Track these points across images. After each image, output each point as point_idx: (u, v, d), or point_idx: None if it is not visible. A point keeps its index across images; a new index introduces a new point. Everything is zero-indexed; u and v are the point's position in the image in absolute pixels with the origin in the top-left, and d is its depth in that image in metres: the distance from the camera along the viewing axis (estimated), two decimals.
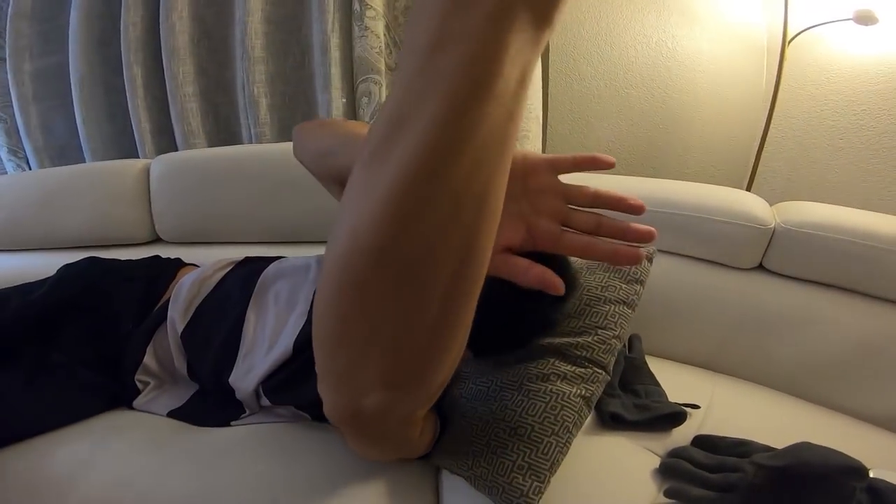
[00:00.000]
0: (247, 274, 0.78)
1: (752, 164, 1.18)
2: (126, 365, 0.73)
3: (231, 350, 0.68)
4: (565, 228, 0.41)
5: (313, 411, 0.65)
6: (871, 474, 0.44)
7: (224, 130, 1.26)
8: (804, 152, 1.20)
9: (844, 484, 0.43)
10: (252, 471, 0.57)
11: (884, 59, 1.06)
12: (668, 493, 0.47)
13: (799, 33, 1.06)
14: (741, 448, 0.51)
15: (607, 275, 0.65)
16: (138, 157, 1.26)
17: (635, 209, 0.40)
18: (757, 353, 0.74)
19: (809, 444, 0.46)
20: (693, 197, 0.81)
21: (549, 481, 0.48)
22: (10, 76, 1.31)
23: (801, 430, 0.51)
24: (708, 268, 0.80)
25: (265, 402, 0.66)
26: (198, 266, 0.88)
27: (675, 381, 0.68)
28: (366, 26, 1.10)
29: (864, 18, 0.98)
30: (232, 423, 0.67)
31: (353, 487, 0.54)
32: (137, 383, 0.73)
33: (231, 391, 0.68)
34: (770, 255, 0.76)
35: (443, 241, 0.23)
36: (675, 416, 0.58)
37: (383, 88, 1.13)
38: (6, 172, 1.45)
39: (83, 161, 1.32)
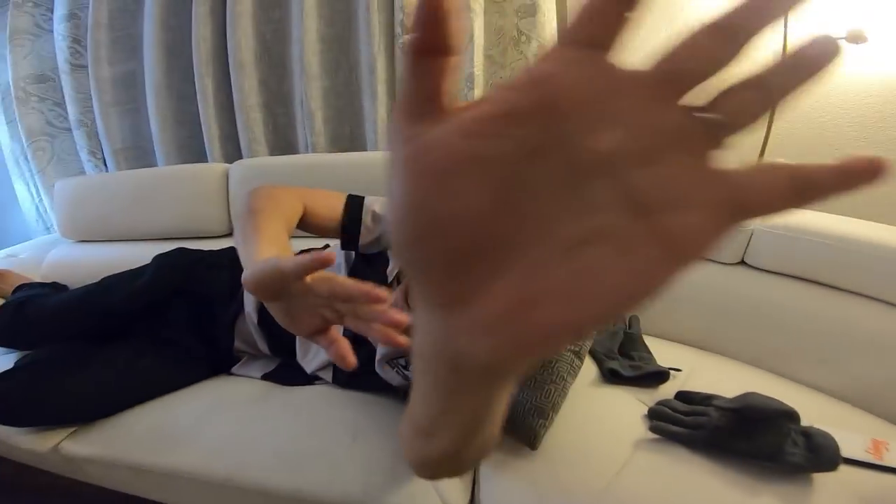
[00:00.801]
0: None
1: None
2: (221, 342, 0.93)
3: (290, 340, 0.87)
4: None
5: (367, 386, 0.83)
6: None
7: (282, 139, 1.48)
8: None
9: (783, 424, 0.61)
10: (337, 416, 0.78)
11: (874, 76, 1.19)
12: (651, 429, 0.67)
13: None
14: (710, 399, 0.70)
15: None
16: (207, 160, 1.48)
17: (371, 300, 0.38)
18: (737, 334, 0.93)
19: (755, 393, 0.65)
20: None
21: (552, 418, 0.68)
22: (91, 83, 1.53)
23: (762, 391, 0.69)
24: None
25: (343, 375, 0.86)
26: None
27: (666, 353, 0.88)
28: None
29: (855, 38, 1.10)
30: (315, 382, 0.87)
31: None
32: (235, 353, 0.94)
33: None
34: (750, 252, 0.95)
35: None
36: (661, 375, 0.78)
37: None
38: (84, 172, 1.69)
39: (156, 163, 1.55)
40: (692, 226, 0.14)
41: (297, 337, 0.85)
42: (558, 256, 0.15)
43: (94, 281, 1.09)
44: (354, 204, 0.83)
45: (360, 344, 0.78)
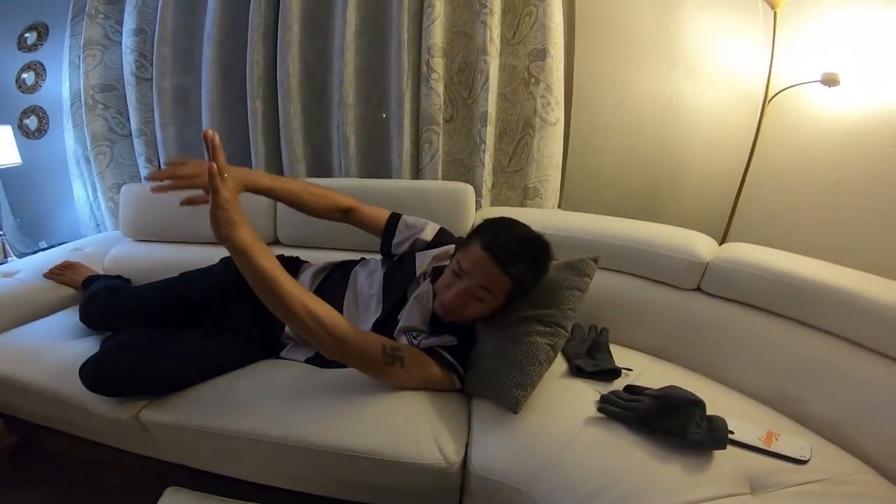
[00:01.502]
0: (341, 274, 1.26)
1: (730, 210, 1.55)
2: (274, 331, 1.20)
3: None
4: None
5: None
6: (728, 421, 0.85)
7: (318, 157, 1.75)
8: (781, 197, 1.54)
9: (691, 410, 0.85)
10: (360, 393, 1.03)
11: (844, 115, 1.36)
12: (599, 410, 0.92)
13: (779, 92, 1.38)
14: (647, 390, 0.94)
15: (566, 272, 1.09)
16: None
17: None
18: (688, 347, 1.18)
19: (675, 385, 0.89)
20: (652, 235, 1.26)
21: (530, 391, 0.95)
22: (154, 96, 1.78)
23: (696, 391, 0.90)
24: (660, 286, 1.26)
25: None
26: (311, 264, 1.36)
27: (626, 357, 1.14)
28: (431, 86, 1.55)
29: (829, 80, 1.30)
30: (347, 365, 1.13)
31: (421, 404, 0.99)
32: (283, 341, 1.20)
33: None
34: (705, 281, 1.19)
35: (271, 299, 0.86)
36: (615, 372, 1.05)
37: (440, 137, 1.59)
38: (139, 176, 1.97)
39: None
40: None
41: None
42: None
43: (155, 276, 1.37)
44: (394, 218, 1.26)
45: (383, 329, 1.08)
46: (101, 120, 1.92)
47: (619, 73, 1.63)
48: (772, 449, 0.85)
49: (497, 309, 1.04)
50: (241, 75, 1.68)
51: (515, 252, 0.97)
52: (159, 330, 1.18)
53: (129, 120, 1.89)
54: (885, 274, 1.06)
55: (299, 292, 0.88)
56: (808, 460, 0.84)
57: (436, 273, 1.12)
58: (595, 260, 1.11)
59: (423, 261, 1.19)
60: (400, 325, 1.08)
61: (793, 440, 0.87)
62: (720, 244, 1.29)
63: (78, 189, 2.10)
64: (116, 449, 1.23)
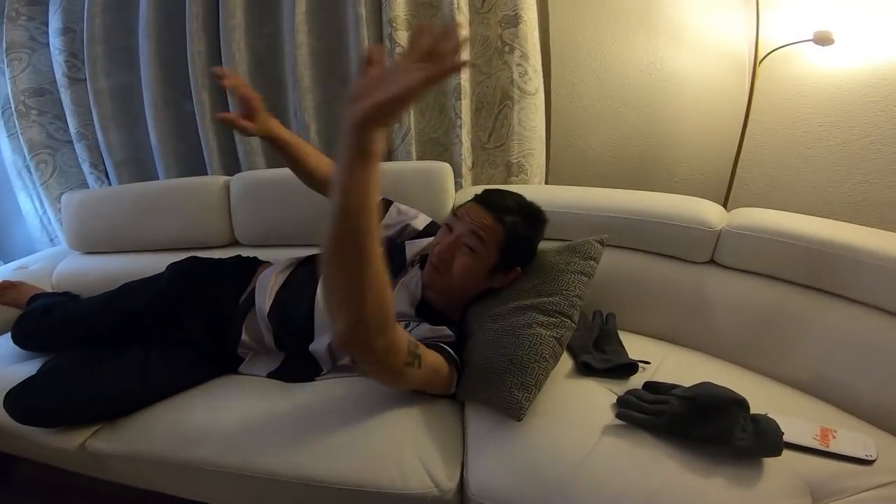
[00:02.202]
0: (311, 270, 1.07)
1: (728, 177, 1.40)
2: (230, 340, 1.02)
3: (308, 324, 0.96)
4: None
5: None
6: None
7: None
8: (779, 160, 1.41)
9: (733, 411, 0.68)
10: (335, 409, 0.85)
11: (842, 74, 1.24)
12: (618, 416, 0.73)
13: (768, 53, 1.25)
14: (674, 389, 0.77)
15: (570, 255, 0.93)
16: (206, 171, 1.55)
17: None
18: (705, 328, 1.00)
19: (710, 382, 0.72)
20: (657, 206, 1.07)
21: (535, 393, 0.76)
22: (90, 97, 1.58)
23: (723, 383, 0.74)
24: (669, 262, 1.07)
25: (341, 361, 0.94)
26: (271, 263, 1.16)
27: (639, 347, 0.95)
28: (395, 61, 1.36)
29: (822, 39, 1.16)
30: (315, 378, 0.95)
31: (405, 418, 0.82)
32: (240, 353, 1.02)
33: (310, 356, 0.96)
34: (719, 252, 1.02)
35: (345, 252, 0.56)
36: (630, 367, 0.85)
37: (411, 115, 1.40)
38: (87, 184, 1.75)
39: (156, 174, 1.62)
40: (412, 74, 0.47)
41: (315, 319, 0.96)
42: (384, 86, 0.49)
43: (107, 290, 1.18)
44: (386, 203, 1.15)
45: None
46: (37, 126, 1.70)
47: (598, 40, 1.47)
48: (831, 449, 0.69)
49: (488, 272, 0.90)
50: (184, 69, 1.48)
51: (509, 205, 0.93)
52: (99, 349, 1.02)
53: (67, 125, 1.68)
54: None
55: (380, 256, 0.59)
56: (875, 459, 0.67)
57: (425, 260, 0.98)
58: (601, 241, 0.95)
59: (414, 249, 1.08)
60: None
61: (852, 436, 0.71)
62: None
63: (25, 202, 1.88)
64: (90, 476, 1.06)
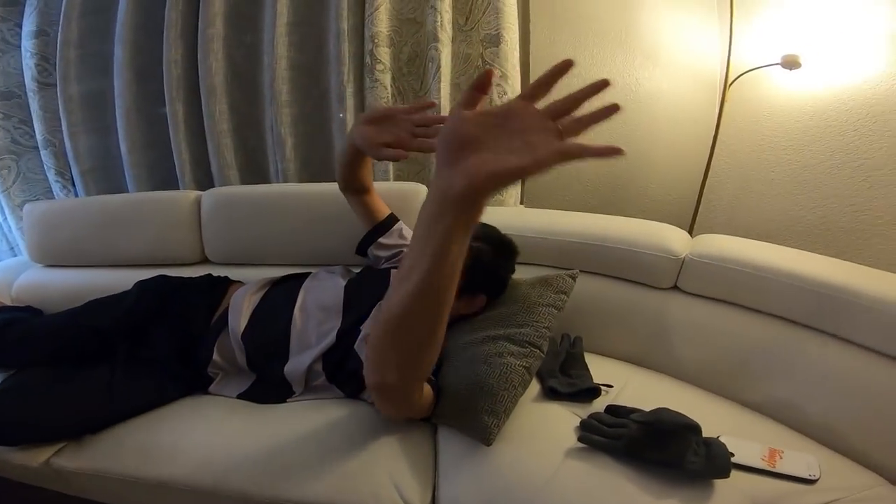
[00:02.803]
0: (287, 288, 1.10)
1: (696, 198, 1.47)
2: (200, 360, 1.03)
3: (283, 345, 0.99)
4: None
5: (348, 387, 0.96)
6: (722, 439, 0.75)
7: (252, 162, 1.56)
8: (745, 183, 1.49)
9: (686, 436, 0.74)
10: (305, 431, 0.88)
11: (806, 98, 1.31)
12: (580, 439, 0.78)
13: (739, 76, 1.32)
14: (634, 413, 0.82)
15: (542, 288, 0.99)
16: (177, 183, 1.55)
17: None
18: (668, 353, 1.07)
19: (666, 408, 0.77)
20: (623, 232, 1.14)
21: (504, 419, 0.81)
22: (60, 103, 1.56)
23: (684, 406, 0.80)
24: (635, 287, 1.13)
25: (314, 383, 0.97)
26: (243, 283, 1.19)
27: (604, 370, 1.01)
28: (376, 78, 1.40)
29: (790, 63, 1.23)
30: (287, 400, 0.97)
31: (377, 440, 0.85)
32: (210, 374, 1.03)
33: (283, 377, 0.98)
34: (682, 279, 1.08)
35: (424, 318, 0.54)
36: (593, 391, 0.91)
37: None
38: (51, 192, 1.73)
39: (125, 184, 1.61)
40: (548, 143, 0.44)
41: (290, 341, 0.99)
42: (502, 149, 0.44)
43: (69, 305, 1.18)
44: (393, 219, 1.18)
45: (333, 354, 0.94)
46: (2, 131, 1.68)
47: (577, 60, 1.51)
48: (777, 469, 0.75)
49: None
50: (159, 77, 1.49)
51: (481, 233, 0.95)
52: (63, 367, 1.02)
53: (34, 131, 1.65)
54: (852, 260, 1.01)
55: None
56: (818, 479, 0.74)
57: None
58: (573, 276, 1.02)
59: None
60: (361, 333, 0.95)
61: (798, 456, 0.77)
62: (690, 233, 1.20)
63: None
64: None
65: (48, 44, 1.58)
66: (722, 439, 0.77)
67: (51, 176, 1.69)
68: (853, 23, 1.20)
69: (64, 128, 1.59)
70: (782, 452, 0.78)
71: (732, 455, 0.73)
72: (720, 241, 1.11)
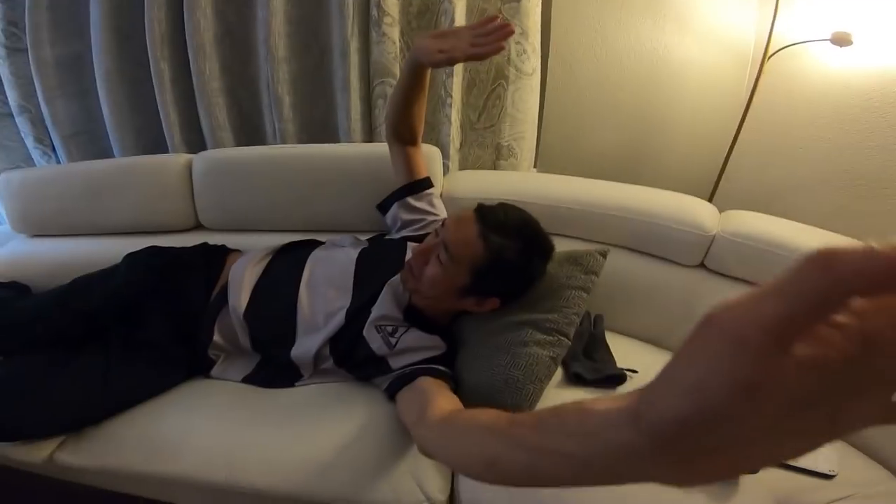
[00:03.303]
0: (292, 260, 1.05)
1: (719, 169, 1.43)
2: (200, 341, 0.99)
3: (289, 326, 0.95)
4: None
5: (359, 372, 0.94)
6: None
7: (247, 124, 1.48)
8: (771, 158, 1.45)
9: None
10: (318, 421, 0.87)
11: (850, 76, 1.25)
12: None
13: (780, 49, 1.26)
14: None
15: (571, 267, 0.95)
16: (166, 147, 1.47)
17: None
18: None
19: None
20: (651, 204, 1.10)
21: None
22: (32, 67, 1.44)
23: None
24: (660, 263, 1.11)
25: (323, 366, 0.94)
26: (241, 252, 1.14)
27: (626, 352, 1.00)
28: (383, 32, 1.30)
29: (841, 40, 1.17)
30: (296, 384, 0.96)
31: (395, 432, 0.84)
32: (211, 356, 1.00)
33: (290, 360, 0.96)
34: (710, 257, 1.06)
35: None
36: (618, 377, 0.91)
37: None
38: (31, 160, 1.64)
39: (110, 147, 1.53)
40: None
41: (297, 321, 0.95)
42: (759, 454, 0.21)
43: (57, 278, 1.13)
44: (429, 182, 1.12)
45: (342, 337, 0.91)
46: None
47: (602, 22, 1.44)
48: (799, 465, 0.77)
49: (458, 291, 0.87)
50: (141, 36, 1.37)
51: (508, 226, 0.84)
52: (54, 354, 0.96)
53: (6, 97, 1.54)
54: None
55: None
56: (836, 474, 0.76)
57: None
58: (604, 254, 0.98)
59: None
60: (371, 316, 0.91)
61: (820, 451, 0.77)
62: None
63: None
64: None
65: (15, 7, 1.44)
66: None
67: (29, 143, 1.59)
68: None
69: (39, 93, 1.48)
70: None
71: None
72: (751, 218, 1.08)
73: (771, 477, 0.74)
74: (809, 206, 1.40)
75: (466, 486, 0.78)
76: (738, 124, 1.39)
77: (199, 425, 0.88)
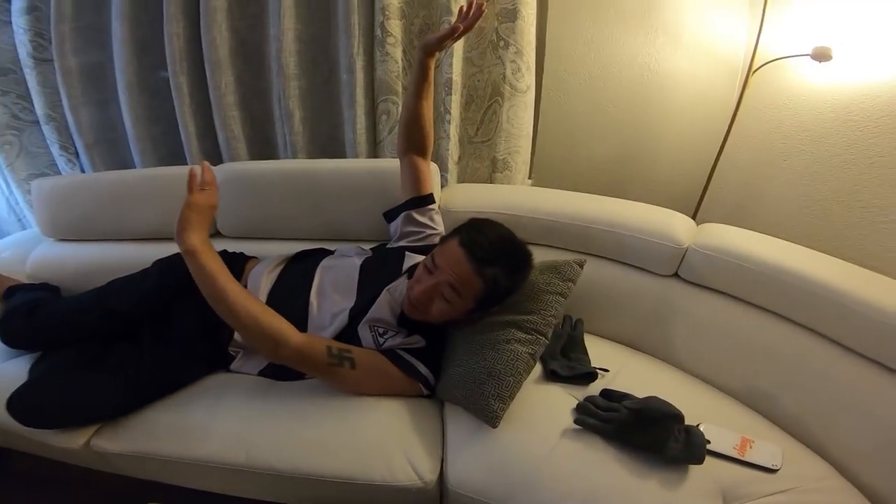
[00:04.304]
0: (303, 268, 1.21)
1: (705, 181, 1.55)
2: (222, 339, 1.15)
3: (301, 323, 1.08)
4: None
5: None
6: (701, 427, 0.89)
7: (259, 134, 1.63)
8: (756, 169, 1.54)
9: (669, 424, 0.87)
10: (323, 408, 1.01)
11: (831, 90, 1.33)
12: (575, 421, 0.93)
13: (764, 64, 1.36)
14: (625, 398, 0.96)
15: (551, 275, 1.09)
16: (184, 155, 1.63)
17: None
18: (665, 338, 1.20)
19: (655, 396, 0.91)
20: (629, 218, 1.24)
21: (509, 404, 0.94)
22: (58, 76, 1.60)
23: (672, 392, 0.93)
24: (637, 273, 1.25)
25: None
26: (258, 259, 1.29)
27: (602, 353, 1.15)
28: (386, 52, 1.44)
29: (821, 55, 1.26)
30: (304, 377, 1.11)
31: (391, 417, 0.99)
32: (231, 352, 1.16)
33: None
34: (683, 267, 1.19)
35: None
36: (591, 375, 1.05)
37: (399, 107, 1.49)
38: (56, 166, 1.80)
39: (130, 155, 1.68)
40: None
41: (308, 321, 1.10)
42: None
43: (84, 280, 1.30)
44: (432, 199, 1.27)
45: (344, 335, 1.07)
46: (1, 107, 1.71)
47: (595, 38, 1.56)
48: (746, 458, 0.89)
49: (466, 315, 1.03)
50: (160, 49, 1.51)
51: (494, 254, 0.97)
52: (91, 349, 1.12)
53: (33, 105, 1.70)
54: (855, 258, 1.10)
55: (240, 292, 0.96)
56: (779, 469, 0.88)
57: (414, 270, 1.10)
58: (580, 264, 1.12)
59: (411, 261, 1.18)
60: (367, 316, 1.06)
61: (766, 447, 0.91)
62: (693, 218, 1.27)
63: None
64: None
65: (41, 19, 1.58)
66: (701, 427, 0.91)
67: (55, 150, 1.74)
68: (890, 17, 1.20)
69: (64, 102, 1.63)
70: (753, 442, 0.92)
71: (709, 443, 0.87)
72: (724, 232, 1.20)
73: (717, 469, 0.87)
74: (789, 218, 1.49)
75: (454, 467, 0.93)
76: (723, 136, 1.49)
77: (221, 414, 1.02)
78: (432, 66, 1.15)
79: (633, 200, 1.35)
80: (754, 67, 1.38)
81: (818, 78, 1.35)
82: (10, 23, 1.61)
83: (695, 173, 1.60)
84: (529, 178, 1.70)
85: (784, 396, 1.02)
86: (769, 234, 1.20)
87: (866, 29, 1.24)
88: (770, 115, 1.47)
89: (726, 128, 1.48)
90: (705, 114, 1.58)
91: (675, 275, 1.22)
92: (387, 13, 1.40)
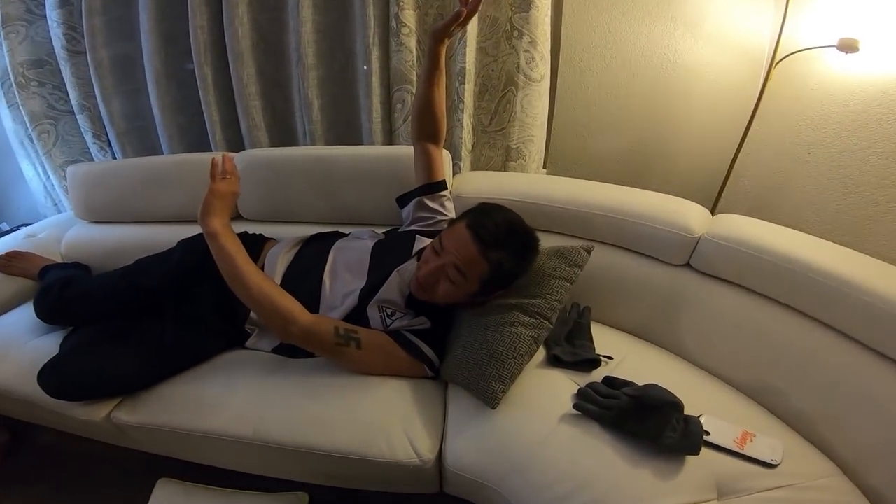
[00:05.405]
0: (317, 249, 1.26)
1: (725, 174, 1.52)
2: (239, 317, 1.21)
3: (312, 307, 1.12)
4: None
5: None
6: (702, 418, 0.88)
7: (280, 123, 1.69)
8: (778, 162, 1.51)
9: (668, 412, 0.86)
10: (330, 385, 1.06)
11: (857, 82, 1.30)
12: (574, 406, 0.93)
13: (788, 55, 1.33)
14: (627, 387, 0.96)
15: (557, 260, 1.10)
16: (208, 143, 1.70)
17: None
18: (673, 328, 1.19)
19: (655, 384, 0.90)
20: (642, 206, 1.23)
21: (510, 386, 0.96)
22: (91, 68, 1.70)
23: (676, 382, 0.92)
24: (647, 261, 1.24)
25: None
26: (276, 240, 1.35)
27: (609, 341, 1.15)
28: (401, 42, 1.47)
29: (847, 46, 1.23)
30: (315, 354, 1.15)
31: (394, 396, 1.02)
32: (247, 329, 1.22)
33: None
34: (695, 257, 1.18)
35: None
36: (593, 362, 1.05)
37: (412, 96, 1.52)
38: (89, 153, 1.91)
39: (159, 142, 1.77)
40: None
41: (321, 300, 1.14)
42: None
43: (115, 259, 1.39)
44: (444, 185, 1.31)
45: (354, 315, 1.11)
46: (38, 98, 1.83)
47: (613, 28, 1.54)
48: (745, 452, 0.87)
49: (471, 297, 1.05)
50: (186, 41, 1.59)
51: (500, 237, 0.98)
52: (117, 325, 1.20)
53: (68, 96, 1.81)
54: (880, 254, 1.07)
55: (255, 272, 1.03)
56: (778, 464, 0.86)
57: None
58: (588, 250, 1.12)
59: (421, 244, 1.21)
60: (376, 297, 1.10)
61: (766, 442, 0.89)
62: (712, 210, 1.25)
63: (28, 169, 2.05)
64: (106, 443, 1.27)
65: (72, 13, 1.68)
66: (702, 419, 0.90)
67: (88, 138, 1.86)
68: None
69: (97, 92, 1.73)
70: (754, 436, 0.90)
71: (707, 434, 0.86)
72: (739, 222, 1.18)
73: (715, 461, 0.86)
74: (811, 213, 1.46)
75: (452, 447, 0.96)
76: (745, 128, 1.47)
77: (235, 388, 1.07)
78: (443, 53, 1.18)
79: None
80: (777, 59, 1.36)
81: (844, 70, 1.32)
82: (45, 16, 1.71)
83: (714, 166, 1.58)
84: (544, 167, 1.70)
85: (793, 392, 0.99)
86: (791, 228, 1.17)
87: (893, 20, 1.19)
88: (794, 107, 1.44)
89: (747, 120, 1.45)
90: (726, 106, 1.55)
91: (688, 265, 1.21)
92: (401, 4, 1.43)
